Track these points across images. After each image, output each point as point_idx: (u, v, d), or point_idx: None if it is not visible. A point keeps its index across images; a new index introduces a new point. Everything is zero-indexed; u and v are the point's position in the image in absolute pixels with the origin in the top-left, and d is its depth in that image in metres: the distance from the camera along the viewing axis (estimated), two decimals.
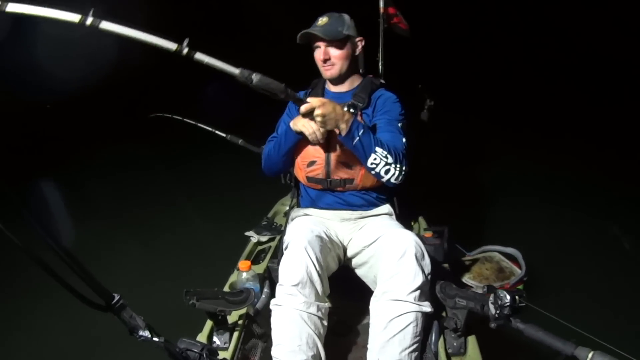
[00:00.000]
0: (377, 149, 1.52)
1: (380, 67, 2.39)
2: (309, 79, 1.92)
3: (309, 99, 1.43)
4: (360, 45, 1.76)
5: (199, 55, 1.20)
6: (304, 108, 1.41)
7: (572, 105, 5.49)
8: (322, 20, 1.69)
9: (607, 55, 6.71)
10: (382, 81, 1.88)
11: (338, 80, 1.77)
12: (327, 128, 1.48)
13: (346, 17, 1.72)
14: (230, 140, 2.58)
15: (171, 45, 1.17)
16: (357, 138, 1.49)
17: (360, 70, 1.90)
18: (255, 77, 1.27)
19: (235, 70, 1.25)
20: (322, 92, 1.84)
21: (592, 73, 6.31)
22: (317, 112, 1.41)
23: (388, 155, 1.53)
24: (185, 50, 1.17)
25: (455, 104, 4.77)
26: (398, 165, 1.55)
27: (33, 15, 1.05)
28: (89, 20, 1.09)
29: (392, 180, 1.58)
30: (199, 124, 2.64)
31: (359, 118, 1.70)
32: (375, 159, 1.52)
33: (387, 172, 1.55)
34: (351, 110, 1.56)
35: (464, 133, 4.91)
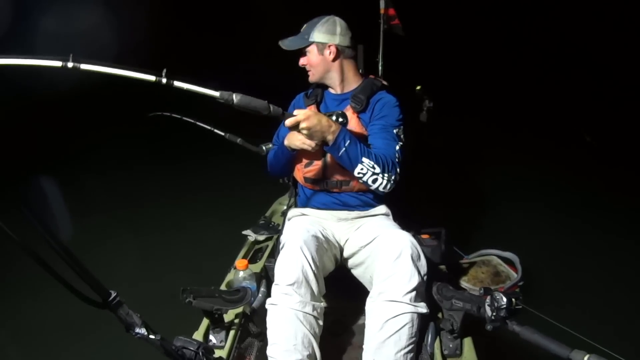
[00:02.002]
0: (364, 159, 1.52)
1: (380, 68, 2.39)
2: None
3: (295, 112, 1.43)
4: (331, 50, 1.71)
5: (178, 83, 1.23)
6: (289, 122, 1.42)
7: (571, 110, 5.51)
8: (303, 28, 1.77)
9: (608, 60, 6.72)
10: (384, 82, 1.87)
11: (329, 83, 1.80)
12: (313, 140, 1.50)
13: (321, 21, 1.72)
14: (229, 138, 2.57)
15: (150, 77, 1.20)
16: (343, 149, 1.50)
17: (360, 71, 1.90)
18: (236, 98, 1.29)
19: (215, 93, 1.27)
20: (322, 93, 1.85)
21: (592, 78, 6.33)
22: (302, 125, 1.42)
23: (375, 166, 1.53)
24: (164, 80, 1.20)
25: (455, 107, 4.78)
26: (386, 175, 1.56)
27: (18, 65, 1.10)
28: (70, 64, 1.14)
29: (380, 188, 1.59)
30: (198, 122, 2.63)
31: (355, 121, 1.71)
32: (362, 169, 1.53)
33: (374, 181, 1.56)
34: (340, 119, 1.55)
35: (464, 136, 4.91)
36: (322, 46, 1.72)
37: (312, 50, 1.73)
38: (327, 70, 1.76)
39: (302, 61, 1.77)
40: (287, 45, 1.75)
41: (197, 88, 1.24)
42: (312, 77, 1.79)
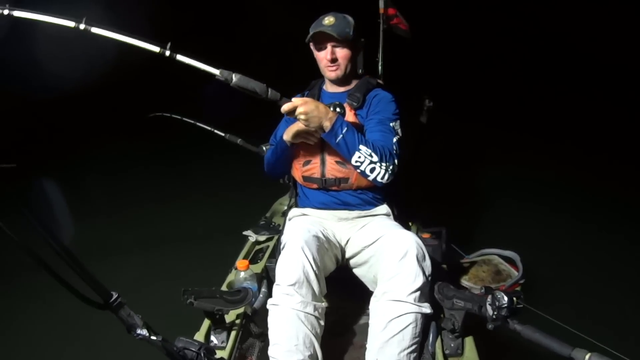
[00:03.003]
0: (361, 147, 1.52)
1: (379, 68, 2.40)
2: (306, 80, 1.92)
3: (293, 99, 1.44)
4: (360, 46, 1.78)
5: (181, 57, 1.27)
6: (286, 107, 1.42)
7: (571, 109, 5.51)
8: (329, 20, 1.68)
9: (606, 58, 6.72)
10: (380, 81, 1.88)
11: (340, 81, 1.78)
12: (310, 126, 1.49)
13: (350, 18, 1.72)
14: (229, 139, 2.58)
15: (154, 48, 1.26)
16: (341, 136, 1.50)
17: (360, 71, 1.90)
18: (235, 77, 1.32)
19: (216, 71, 1.30)
20: (319, 93, 1.85)
21: (591, 77, 6.32)
22: (299, 110, 1.42)
23: (372, 154, 1.54)
24: (168, 53, 1.26)
25: (455, 107, 4.78)
26: (384, 164, 1.56)
27: (36, 20, 1.21)
28: (82, 26, 1.22)
29: (379, 179, 1.58)
30: (198, 123, 2.64)
31: (352, 117, 1.71)
32: (359, 157, 1.53)
33: (372, 170, 1.56)
34: (337, 109, 1.57)
35: (464, 135, 4.92)
36: (357, 41, 1.74)
37: (353, 45, 1.71)
38: (353, 66, 1.76)
39: (335, 54, 1.68)
40: (337, 33, 1.63)
41: (198, 64, 1.28)
42: (339, 72, 1.72)
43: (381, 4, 2.42)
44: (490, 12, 8.14)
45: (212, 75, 1.31)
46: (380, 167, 1.56)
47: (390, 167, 1.58)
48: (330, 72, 1.74)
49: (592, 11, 7.24)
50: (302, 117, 1.45)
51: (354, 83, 1.80)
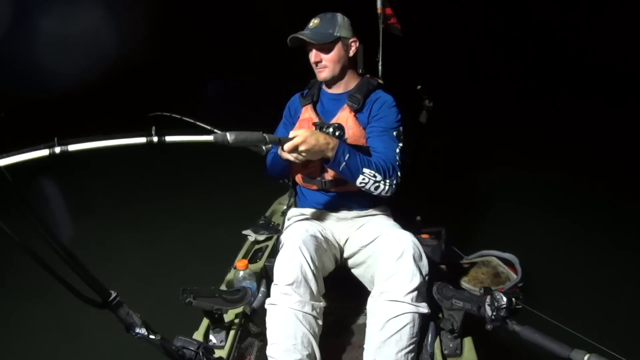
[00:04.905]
0: (365, 170, 1.51)
1: (379, 67, 2.39)
2: (307, 77, 1.92)
3: (291, 133, 1.42)
4: (354, 46, 1.74)
5: (170, 138, 1.22)
6: (287, 147, 1.40)
7: (572, 110, 5.51)
8: (314, 22, 1.70)
9: (607, 60, 6.73)
10: (380, 81, 1.87)
11: (332, 81, 1.77)
12: (313, 159, 1.48)
13: (339, 17, 1.71)
14: None
15: (140, 140, 1.19)
16: (344, 163, 1.48)
17: (360, 71, 1.89)
18: (231, 137, 1.29)
19: (209, 137, 1.27)
20: (318, 93, 1.84)
21: (591, 78, 6.33)
22: (301, 148, 1.40)
23: (376, 174, 1.52)
24: (155, 139, 1.20)
25: (455, 107, 4.78)
26: (387, 181, 1.55)
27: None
28: (58, 149, 1.16)
29: (382, 194, 1.58)
30: (197, 122, 2.64)
31: (352, 120, 1.71)
32: (363, 179, 1.52)
33: (376, 188, 1.55)
34: (337, 133, 1.53)
35: (464, 136, 4.92)
36: (346, 41, 1.71)
37: (338, 45, 1.69)
38: (344, 66, 1.74)
39: (319, 57, 1.69)
40: (312, 37, 1.65)
41: (189, 137, 1.25)
42: (326, 74, 1.72)
43: (379, 4, 2.41)
44: (493, 11, 8.15)
45: (208, 143, 1.27)
46: (385, 184, 1.55)
47: (394, 182, 1.57)
48: (318, 74, 1.74)
49: (593, 11, 7.25)
50: (304, 154, 1.42)
51: (354, 84, 1.79)
